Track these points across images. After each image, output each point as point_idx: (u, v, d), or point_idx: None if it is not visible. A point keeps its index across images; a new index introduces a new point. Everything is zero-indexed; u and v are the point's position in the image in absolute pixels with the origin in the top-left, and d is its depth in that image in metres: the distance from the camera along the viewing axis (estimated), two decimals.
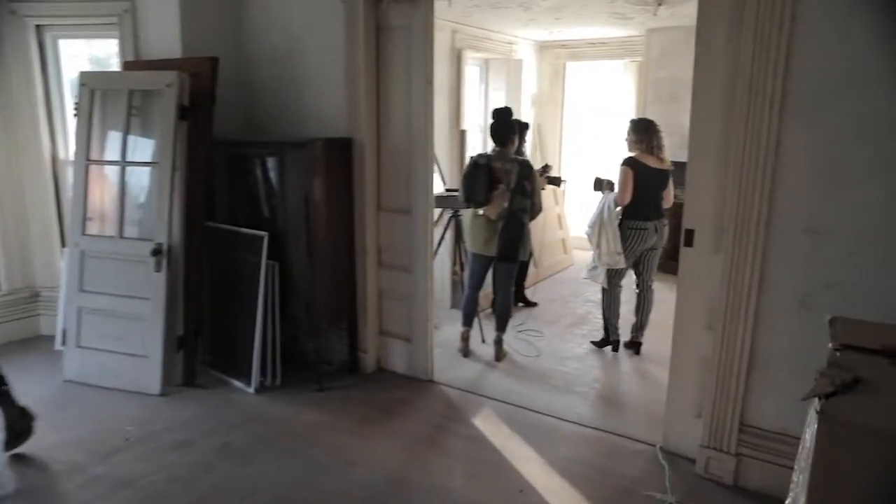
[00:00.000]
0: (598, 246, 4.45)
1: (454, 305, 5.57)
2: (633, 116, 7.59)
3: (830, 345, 1.89)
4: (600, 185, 4.65)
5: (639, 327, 4.61)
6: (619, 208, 4.39)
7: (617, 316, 4.59)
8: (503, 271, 4.37)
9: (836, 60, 2.49)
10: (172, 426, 3.44)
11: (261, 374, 3.89)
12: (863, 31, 2.42)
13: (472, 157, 4.30)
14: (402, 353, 4.14)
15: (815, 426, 1.56)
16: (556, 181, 5.65)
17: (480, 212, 4.25)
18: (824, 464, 1.49)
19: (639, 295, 4.59)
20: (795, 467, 2.09)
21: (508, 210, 4.12)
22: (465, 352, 4.54)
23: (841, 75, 2.48)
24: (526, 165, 4.20)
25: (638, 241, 4.38)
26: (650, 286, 4.57)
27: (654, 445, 3.26)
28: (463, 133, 6.73)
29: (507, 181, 4.13)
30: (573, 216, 7.84)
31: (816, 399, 1.62)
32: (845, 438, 1.45)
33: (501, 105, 4.46)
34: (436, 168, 4.89)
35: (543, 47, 7.89)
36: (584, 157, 9.00)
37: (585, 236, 4.63)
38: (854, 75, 2.46)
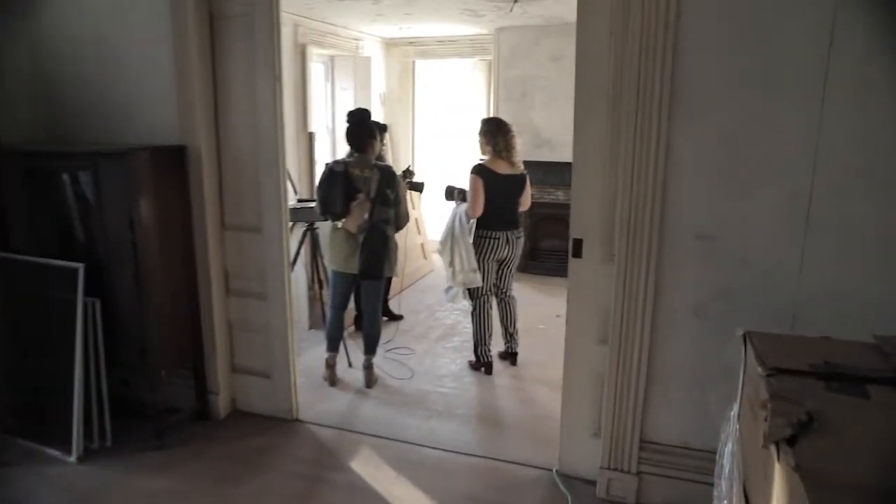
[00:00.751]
0: (451, 264, 4.16)
1: (313, 326, 5.07)
2: (485, 116, 7.64)
3: (759, 369, 1.72)
4: (452, 193, 4.34)
5: (509, 337, 4.42)
6: (472, 221, 4.11)
7: (490, 337, 4.31)
8: (369, 289, 3.96)
9: (723, 58, 2.38)
10: None
11: (85, 437, 3.17)
12: (749, 28, 2.33)
13: (327, 165, 3.84)
14: (261, 391, 3.59)
15: (782, 478, 1.35)
16: (418, 187, 5.35)
17: (339, 225, 3.81)
18: None
19: (499, 305, 4.38)
20: (716, 482, 1.96)
21: (370, 222, 3.72)
22: (332, 380, 4.07)
23: (729, 73, 2.38)
24: (388, 172, 3.81)
25: (491, 251, 4.12)
26: (509, 294, 4.37)
27: (550, 470, 3.04)
28: (311, 136, 6.22)
29: (367, 190, 3.72)
30: (431, 220, 7.62)
31: (774, 445, 1.42)
32: (829, 499, 1.24)
33: (354, 106, 4.03)
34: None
35: (391, 45, 7.56)
36: (437, 158, 8.82)
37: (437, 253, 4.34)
38: (742, 74, 2.36)
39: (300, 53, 5.94)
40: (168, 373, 3.33)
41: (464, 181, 4.20)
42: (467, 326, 4.99)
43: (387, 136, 5.15)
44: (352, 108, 4.59)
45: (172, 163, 3.20)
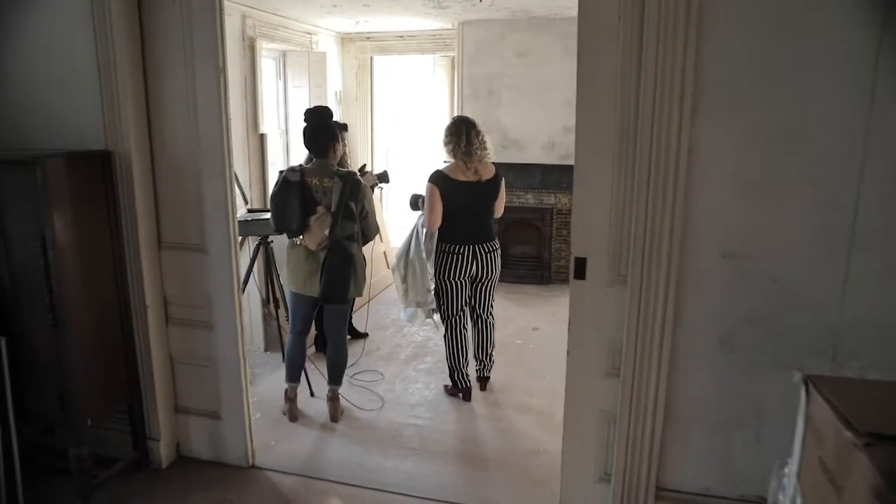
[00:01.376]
0: (404, 280, 3.74)
1: (270, 348, 4.58)
2: (449, 115, 7.25)
3: (848, 433, 1.36)
4: (417, 203, 3.90)
5: (482, 363, 4.00)
6: (433, 234, 3.68)
7: (465, 361, 3.87)
8: (333, 312, 3.50)
9: (755, 45, 2.03)
10: None
11: None
12: (786, 9, 1.98)
13: (281, 172, 3.36)
14: (210, 434, 3.10)
15: None
16: (383, 177, 4.77)
17: (298, 241, 3.35)
18: None
19: (475, 327, 3.95)
20: None
21: (330, 239, 3.26)
22: (293, 414, 3.59)
23: (762, 63, 2.03)
24: (352, 181, 3.28)
25: (455, 267, 3.66)
26: (487, 318, 3.94)
27: None
28: (263, 138, 5.70)
29: (327, 202, 3.27)
30: (393, 226, 7.19)
31: None
32: None
33: (308, 105, 3.54)
34: (236, 189, 3.87)
35: (347, 40, 7.08)
36: (398, 162, 8.41)
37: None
38: (777, 63, 2.01)
39: (249, 47, 5.41)
40: (97, 419, 2.80)
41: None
42: (439, 343, 4.57)
43: (346, 136, 4.64)
44: (307, 107, 4.12)
45: (95, 172, 2.68)
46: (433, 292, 3.69)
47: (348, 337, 4.64)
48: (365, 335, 4.94)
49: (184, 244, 2.89)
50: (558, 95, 6.18)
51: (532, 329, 5.17)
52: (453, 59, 6.81)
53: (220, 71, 2.65)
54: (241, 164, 5.14)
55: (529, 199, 6.56)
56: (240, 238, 3.91)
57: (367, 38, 7.01)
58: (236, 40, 5.20)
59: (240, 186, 3.92)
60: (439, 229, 3.64)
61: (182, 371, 3.08)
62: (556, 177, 6.39)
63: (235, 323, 2.92)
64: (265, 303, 4.18)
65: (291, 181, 3.25)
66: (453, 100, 6.92)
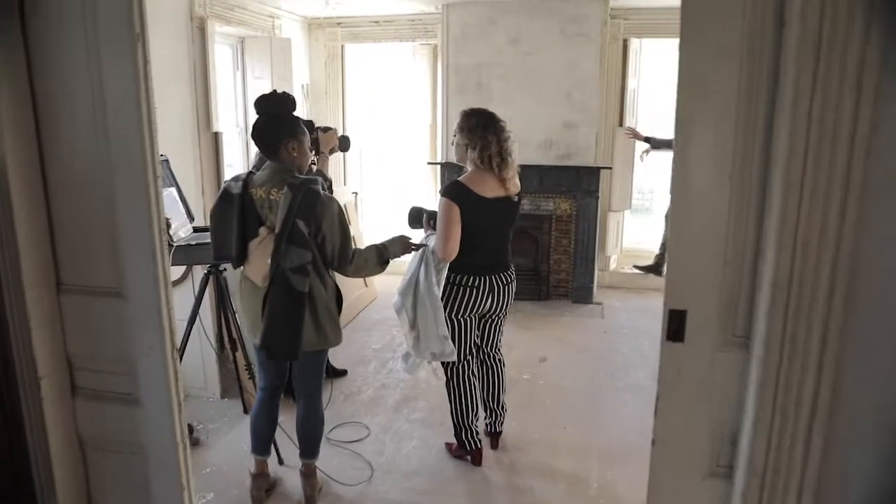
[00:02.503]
0: (414, 326, 2.87)
1: (227, 394, 3.74)
2: (431, 110, 6.47)
3: None
4: (420, 218, 3.04)
5: (494, 413, 3.22)
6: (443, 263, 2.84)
7: (475, 416, 3.08)
8: (300, 368, 2.65)
9: None
10: None
11: None
12: None
13: (225, 183, 2.54)
14: None
15: None
16: (343, 144, 3.79)
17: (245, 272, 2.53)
18: None
19: (481, 369, 3.16)
20: None
21: (272, 270, 2.38)
22: (258, 497, 2.76)
23: None
24: (308, 192, 2.37)
25: (468, 304, 2.89)
26: (498, 358, 3.18)
27: None
28: (217, 137, 4.85)
29: (273, 220, 2.42)
30: (371, 238, 6.40)
31: None
32: None
33: (270, 90, 2.64)
34: (175, 195, 3.02)
35: (315, 25, 6.25)
36: (373, 164, 7.62)
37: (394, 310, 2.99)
38: None
39: (199, 29, 4.55)
40: None
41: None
42: (433, 383, 3.81)
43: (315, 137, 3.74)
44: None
45: None
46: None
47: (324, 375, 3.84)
48: (343, 372, 4.14)
49: (92, 287, 2.03)
50: (556, 87, 5.47)
51: (539, 360, 4.42)
52: (436, 47, 6.08)
53: (137, 38, 1.81)
54: (188, 169, 4.29)
55: (525, 205, 5.72)
56: (185, 267, 3.10)
57: (338, 23, 6.20)
58: (182, 18, 4.36)
59: (182, 199, 3.07)
60: (456, 257, 2.81)
61: (97, 461, 2.22)
62: (554, 179, 5.65)
63: (170, 394, 2.07)
64: (219, 347, 3.33)
65: (231, 193, 2.43)
66: (436, 93, 6.16)
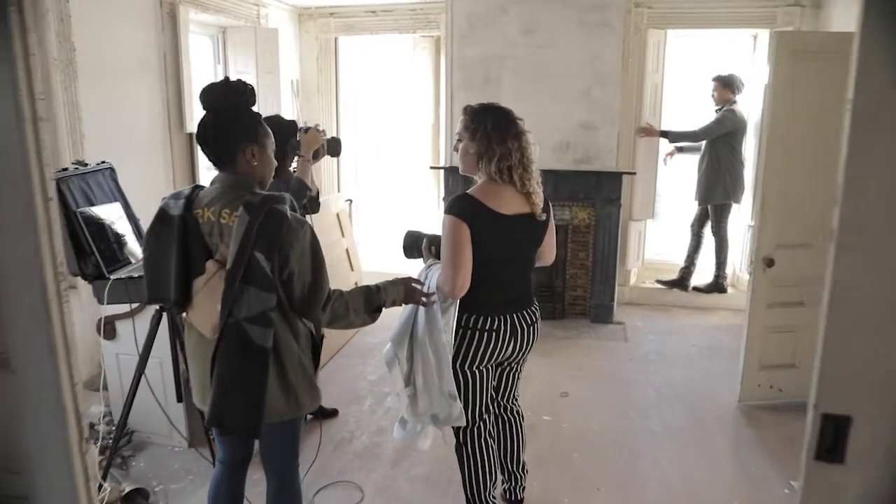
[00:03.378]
0: (410, 382, 2.28)
1: (196, 443, 3.17)
2: (433, 108, 5.91)
3: None
4: (417, 245, 2.45)
5: (514, 477, 2.66)
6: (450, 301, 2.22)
7: (493, 480, 2.50)
8: (269, 441, 2.01)
9: None
10: None
11: None
12: None
13: (163, 201, 1.91)
14: None
15: None
16: (334, 148, 3.16)
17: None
18: None
19: (497, 423, 2.59)
20: None
21: (222, 318, 1.75)
22: None
23: None
24: (270, 213, 1.73)
25: (486, 352, 2.29)
26: (516, 410, 2.61)
27: None
28: (191, 138, 4.28)
29: (222, 252, 1.83)
30: (367, 250, 5.86)
31: None
32: None
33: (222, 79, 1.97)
34: (121, 212, 2.44)
35: (306, 16, 5.69)
36: (370, 170, 7.06)
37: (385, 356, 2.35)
38: None
39: (169, 15, 3.98)
40: None
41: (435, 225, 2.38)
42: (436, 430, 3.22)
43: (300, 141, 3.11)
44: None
45: None
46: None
47: (310, 416, 3.26)
48: (333, 413, 3.56)
49: None
50: (574, 83, 4.93)
51: (560, 395, 3.85)
52: (439, 38, 5.55)
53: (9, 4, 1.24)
54: (157, 175, 3.73)
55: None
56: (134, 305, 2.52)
57: (331, 13, 5.65)
58: (149, 2, 3.79)
59: (132, 218, 2.49)
60: (467, 293, 2.21)
61: None
62: (571, 186, 5.07)
63: (78, 501, 1.50)
64: (178, 396, 2.74)
65: (170, 215, 1.83)
66: (439, 90, 5.62)
